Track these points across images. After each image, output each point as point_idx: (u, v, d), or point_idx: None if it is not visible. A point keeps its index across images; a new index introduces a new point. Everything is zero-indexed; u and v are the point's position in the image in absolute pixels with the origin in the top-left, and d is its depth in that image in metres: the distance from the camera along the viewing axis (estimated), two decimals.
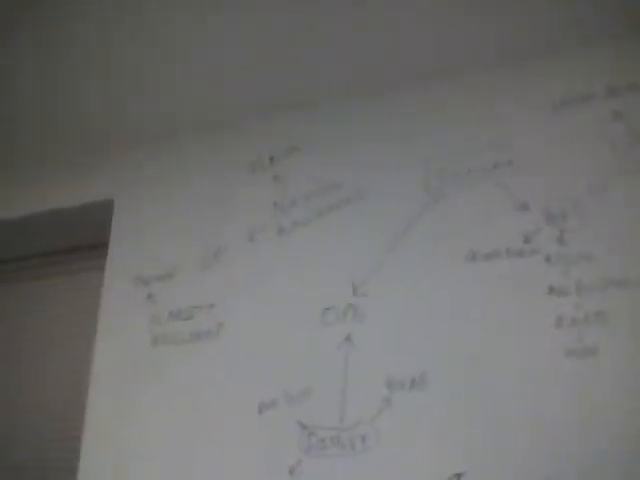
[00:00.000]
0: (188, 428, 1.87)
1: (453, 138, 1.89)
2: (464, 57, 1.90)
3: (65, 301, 2.39)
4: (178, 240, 2.10)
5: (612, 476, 1.45)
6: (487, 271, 1.71)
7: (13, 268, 2.52)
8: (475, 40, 1.85)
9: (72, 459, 2.03)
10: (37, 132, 2.28)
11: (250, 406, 1.81)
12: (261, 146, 2.11)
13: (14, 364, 2.38)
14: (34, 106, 2.17)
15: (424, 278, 1.77)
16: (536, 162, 1.77)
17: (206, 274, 2.03)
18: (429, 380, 1.66)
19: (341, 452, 1.68)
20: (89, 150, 2.32)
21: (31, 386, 2.33)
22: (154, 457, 1.89)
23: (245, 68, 1.99)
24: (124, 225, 2.21)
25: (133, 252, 2.15)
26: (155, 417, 1.93)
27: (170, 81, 2.05)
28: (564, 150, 1.77)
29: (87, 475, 1.95)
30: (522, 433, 1.54)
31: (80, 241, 2.39)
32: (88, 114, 2.19)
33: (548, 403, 1.54)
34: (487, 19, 1.79)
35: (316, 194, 1.98)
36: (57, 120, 2.22)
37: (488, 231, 1.75)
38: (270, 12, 1.81)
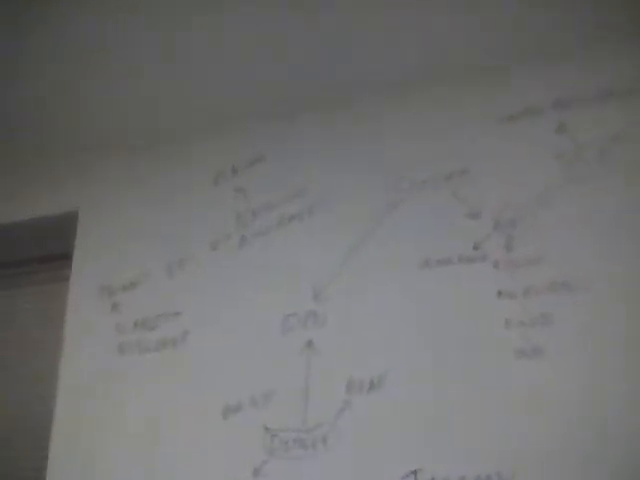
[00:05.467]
0: (155, 434, 1.92)
1: (411, 149, 1.97)
2: (423, 72, 1.98)
3: (31, 312, 2.41)
4: (143, 250, 2.15)
5: (562, 471, 1.54)
6: (440, 277, 1.80)
7: None
8: (432, 55, 1.93)
9: (40, 468, 2.06)
10: (0, 144, 2.31)
11: (215, 411, 1.87)
12: (224, 157, 2.17)
13: None
14: None
15: (381, 284, 1.85)
16: (487, 172, 1.86)
17: (171, 283, 2.08)
18: (387, 382, 1.73)
19: (304, 453, 1.74)
20: (54, 161, 2.35)
21: None
22: (122, 463, 1.93)
23: (211, 80, 2.04)
24: (89, 236, 2.25)
25: (98, 262, 2.19)
26: (122, 424, 1.97)
27: (135, 93, 2.09)
28: (514, 160, 1.86)
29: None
30: (475, 431, 1.63)
31: (45, 252, 2.41)
32: (52, 125, 2.22)
33: (499, 402, 1.63)
34: (441, 34, 1.87)
35: (277, 204, 2.05)
36: (20, 131, 2.24)
37: (441, 238, 1.83)
38: (237, 25, 1.86)
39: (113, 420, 1.98)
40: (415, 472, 1.62)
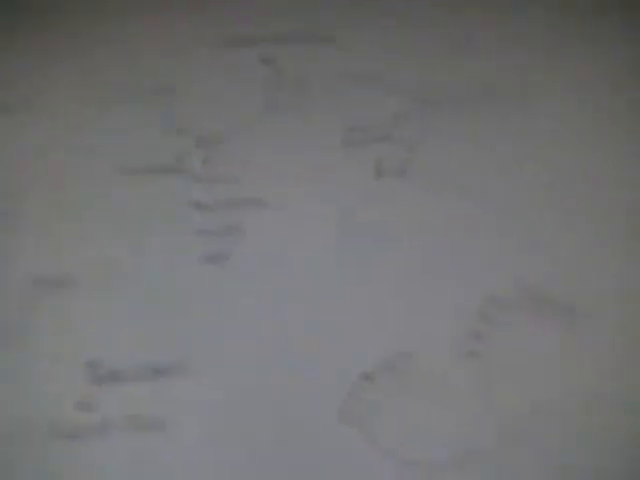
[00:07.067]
0: None
1: (125, 64, 2.01)
2: None
3: None
4: None
5: (242, 357, 1.74)
6: (143, 186, 1.88)
7: None
8: None
9: None
10: None
11: None
12: None
13: None
14: None
15: (82, 191, 1.89)
16: (196, 92, 1.98)
17: None
18: (78, 281, 1.79)
19: None
20: None
21: None
22: None
23: None
24: None
25: None
26: None
27: None
28: (223, 84, 2.00)
29: None
30: (154, 323, 1.77)
31: None
32: None
33: (184, 302, 1.78)
34: None
35: None
36: None
37: (147, 150, 1.91)
38: None
39: None
40: (92, 362, 1.72)
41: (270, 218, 1.84)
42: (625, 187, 1.81)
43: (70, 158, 1.92)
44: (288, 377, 1.71)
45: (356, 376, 1.70)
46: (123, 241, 1.84)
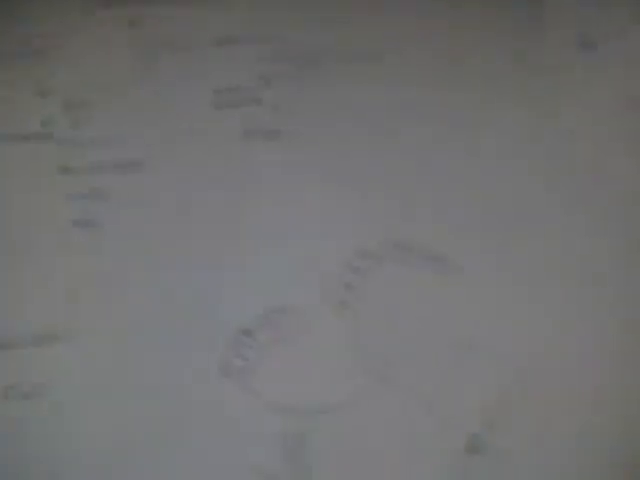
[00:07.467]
0: None
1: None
2: None
3: None
4: None
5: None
6: (10, 153, 1.84)
7: None
8: None
9: None
10: None
11: None
12: None
13: None
14: None
15: None
16: (63, 54, 1.93)
17: None
18: None
19: None
20: None
21: None
22: None
23: None
24: None
25: None
26: None
27: None
28: (91, 46, 1.95)
29: None
30: (18, 275, 1.75)
31: None
32: None
33: (49, 261, 1.77)
34: None
35: None
36: None
37: (10, 115, 1.86)
38: None
39: None
40: None
41: (141, 181, 1.84)
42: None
43: None
44: (168, 337, 1.74)
45: (235, 332, 1.74)
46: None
